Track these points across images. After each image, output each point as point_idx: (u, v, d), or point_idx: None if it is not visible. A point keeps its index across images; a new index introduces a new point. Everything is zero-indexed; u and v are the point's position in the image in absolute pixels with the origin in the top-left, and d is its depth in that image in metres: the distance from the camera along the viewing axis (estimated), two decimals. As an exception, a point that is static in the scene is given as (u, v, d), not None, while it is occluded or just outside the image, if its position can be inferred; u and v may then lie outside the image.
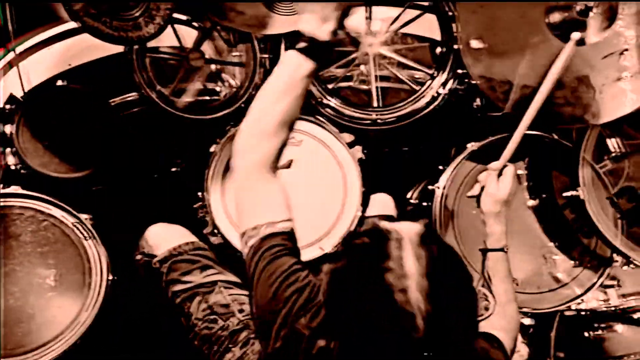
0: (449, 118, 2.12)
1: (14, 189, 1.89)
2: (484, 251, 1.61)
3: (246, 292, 1.80)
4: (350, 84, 2.31)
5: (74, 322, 1.81)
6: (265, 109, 1.30)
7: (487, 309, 1.52)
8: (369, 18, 2.23)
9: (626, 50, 1.72)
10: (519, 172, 2.07)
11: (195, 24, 2.14)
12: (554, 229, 2.04)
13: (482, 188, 1.64)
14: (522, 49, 1.76)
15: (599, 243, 2.00)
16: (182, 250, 1.84)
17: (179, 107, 2.10)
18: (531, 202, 2.06)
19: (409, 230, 1.12)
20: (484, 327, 1.47)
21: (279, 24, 1.94)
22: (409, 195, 2.22)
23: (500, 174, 1.63)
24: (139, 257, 1.90)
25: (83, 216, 1.88)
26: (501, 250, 1.60)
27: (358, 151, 2.03)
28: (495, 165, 1.64)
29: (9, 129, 1.98)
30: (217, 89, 2.26)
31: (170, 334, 1.99)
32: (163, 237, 1.88)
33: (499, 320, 1.50)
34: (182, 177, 2.31)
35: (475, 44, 1.78)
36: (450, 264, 1.15)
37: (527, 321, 2.02)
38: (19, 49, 2.17)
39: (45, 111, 2.03)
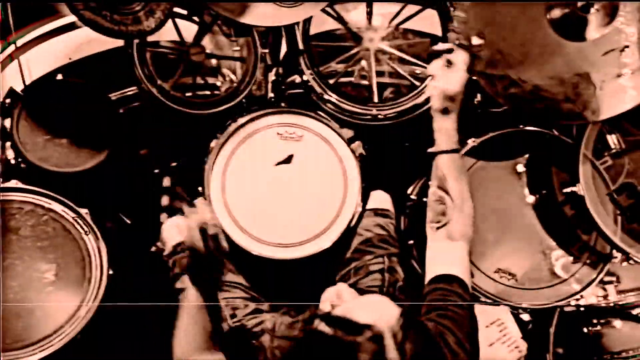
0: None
1: (14, 183, 1.88)
2: (434, 153, 1.52)
3: (241, 295, 1.80)
4: (351, 79, 2.31)
5: (73, 316, 1.81)
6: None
7: (444, 214, 1.49)
8: (370, 13, 2.23)
9: (627, 47, 1.72)
10: (519, 168, 2.07)
11: (195, 18, 2.13)
12: (553, 225, 2.05)
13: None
14: (522, 45, 1.76)
15: (598, 239, 2.00)
16: (184, 246, 1.85)
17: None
18: (531, 199, 2.06)
19: (388, 321, 1.08)
20: (442, 237, 1.46)
21: (281, 17, 1.93)
22: (409, 191, 2.22)
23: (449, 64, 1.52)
24: (153, 249, 1.90)
25: (83, 210, 1.88)
26: (453, 151, 1.51)
27: (359, 147, 2.03)
28: (439, 46, 1.55)
29: (8, 122, 1.98)
30: (218, 83, 2.26)
31: (170, 329, 1.99)
32: (172, 232, 1.89)
33: (457, 226, 1.46)
34: (182, 172, 2.30)
35: (475, 40, 1.78)
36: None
37: (526, 317, 2.02)
38: (20, 42, 2.17)
39: (45, 105, 2.02)
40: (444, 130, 1.52)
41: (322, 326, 1.09)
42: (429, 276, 1.43)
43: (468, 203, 1.50)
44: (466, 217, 1.49)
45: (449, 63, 1.54)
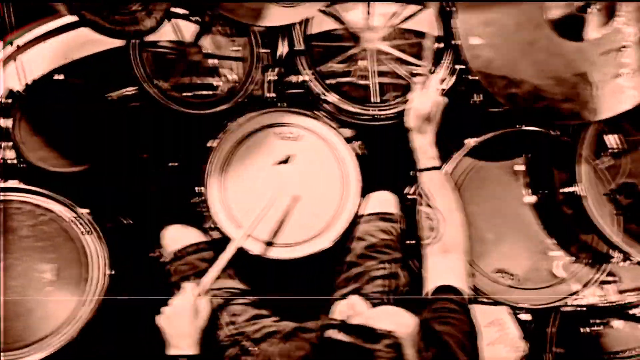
0: (447, 114, 2.13)
1: (13, 183, 1.88)
2: (418, 171, 1.63)
3: (239, 301, 1.80)
4: (350, 79, 2.31)
5: (72, 316, 1.81)
6: None
7: (434, 229, 1.53)
8: (369, 13, 2.23)
9: (625, 47, 1.72)
10: (519, 168, 2.07)
11: (193, 18, 2.13)
12: (552, 225, 2.05)
13: None
14: (521, 44, 1.76)
15: (597, 239, 2.00)
16: (184, 253, 1.85)
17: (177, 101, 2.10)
18: (530, 198, 2.06)
19: (407, 330, 1.11)
20: (437, 251, 1.51)
21: (280, 17, 1.93)
22: (408, 191, 2.22)
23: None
24: (156, 254, 1.93)
25: (82, 211, 1.88)
26: (431, 169, 1.62)
27: (358, 147, 2.03)
28: (418, 78, 1.69)
29: (8, 122, 1.98)
30: (216, 83, 2.26)
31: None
32: (172, 239, 1.89)
33: (450, 238, 1.52)
34: (180, 172, 2.30)
35: (474, 40, 1.78)
36: None
37: (526, 317, 2.03)
38: (18, 42, 2.17)
39: (44, 105, 2.02)
40: (421, 148, 1.63)
41: (338, 335, 1.11)
42: (427, 289, 1.46)
43: (456, 215, 1.54)
44: (456, 229, 1.53)
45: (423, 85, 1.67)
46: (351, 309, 1.29)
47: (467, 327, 1.33)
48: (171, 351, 1.52)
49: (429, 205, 1.55)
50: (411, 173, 1.65)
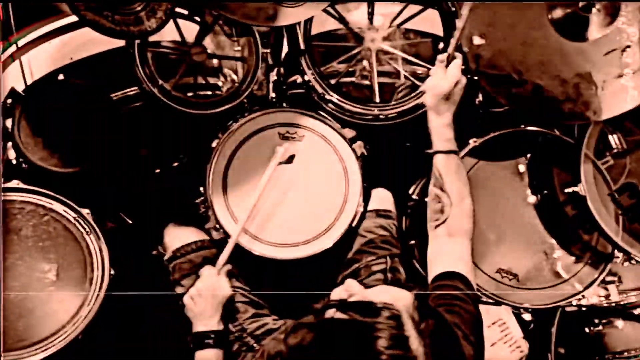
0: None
1: (15, 183, 1.88)
2: (432, 153, 1.56)
3: (242, 300, 1.81)
4: (353, 79, 2.31)
5: (75, 316, 1.80)
6: None
7: (442, 211, 1.51)
8: (371, 13, 2.23)
9: (628, 47, 1.72)
10: (521, 168, 2.07)
11: (196, 18, 2.13)
12: (554, 225, 2.05)
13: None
14: (523, 44, 1.76)
15: (600, 239, 2.00)
16: (184, 251, 1.85)
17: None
18: (532, 199, 2.06)
19: (404, 303, 1.10)
20: (442, 234, 1.49)
21: (282, 17, 1.93)
22: (410, 191, 2.22)
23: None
24: (154, 252, 1.95)
25: (84, 211, 1.88)
26: (448, 152, 1.54)
27: (360, 146, 2.03)
28: (442, 56, 1.58)
29: (9, 123, 1.97)
30: (219, 83, 2.26)
31: (170, 330, 1.99)
32: (173, 237, 1.89)
33: (456, 223, 1.49)
34: (184, 172, 2.30)
35: (476, 40, 1.78)
36: (447, 339, 1.16)
37: (528, 317, 2.03)
38: (21, 42, 2.17)
39: (46, 105, 2.02)
40: (437, 130, 1.55)
41: (337, 314, 1.10)
42: (431, 275, 1.44)
43: (466, 200, 1.52)
44: (465, 213, 1.51)
45: (447, 63, 1.57)
46: (347, 291, 1.29)
47: (473, 318, 1.32)
48: (199, 328, 1.65)
49: (439, 188, 1.52)
50: (426, 152, 1.58)
